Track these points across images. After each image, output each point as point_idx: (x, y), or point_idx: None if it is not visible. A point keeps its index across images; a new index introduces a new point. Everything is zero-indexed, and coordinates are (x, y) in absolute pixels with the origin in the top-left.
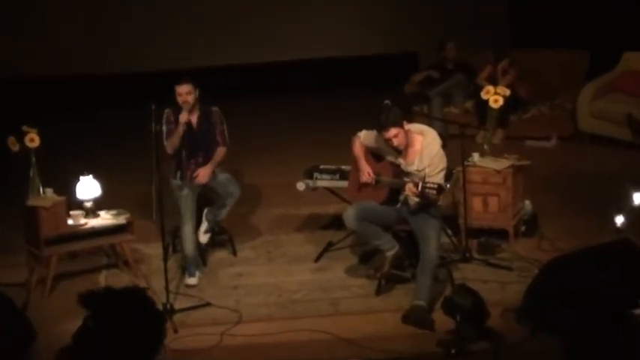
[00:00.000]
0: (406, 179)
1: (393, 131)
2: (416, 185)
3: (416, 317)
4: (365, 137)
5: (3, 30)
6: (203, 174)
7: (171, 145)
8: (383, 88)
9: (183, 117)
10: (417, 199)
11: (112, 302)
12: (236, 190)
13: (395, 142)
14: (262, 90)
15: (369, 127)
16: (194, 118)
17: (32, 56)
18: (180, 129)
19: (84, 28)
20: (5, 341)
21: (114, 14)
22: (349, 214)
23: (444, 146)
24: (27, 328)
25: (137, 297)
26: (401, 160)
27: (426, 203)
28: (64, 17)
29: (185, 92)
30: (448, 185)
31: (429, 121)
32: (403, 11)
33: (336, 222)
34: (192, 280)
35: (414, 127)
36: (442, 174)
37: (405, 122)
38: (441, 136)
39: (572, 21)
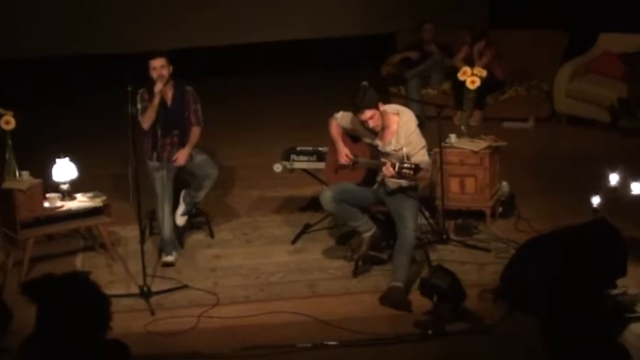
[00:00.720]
0: (383, 160)
1: (368, 113)
2: (393, 166)
3: (393, 298)
4: (342, 118)
5: None
6: (182, 157)
7: (147, 119)
8: (360, 70)
9: (157, 87)
10: (393, 181)
11: (51, 288)
12: (214, 171)
13: (371, 123)
14: (238, 72)
15: (345, 109)
16: (168, 96)
17: (8, 37)
18: (156, 100)
19: (62, 9)
20: None
21: None
22: (326, 196)
23: (422, 127)
24: (3, 311)
25: (77, 281)
26: (378, 142)
27: (403, 185)
28: None
29: (159, 65)
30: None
31: (406, 102)
32: None
33: (313, 204)
34: (169, 258)
35: (390, 107)
36: (424, 151)
37: (380, 103)
38: (418, 117)
39: (549, 1)
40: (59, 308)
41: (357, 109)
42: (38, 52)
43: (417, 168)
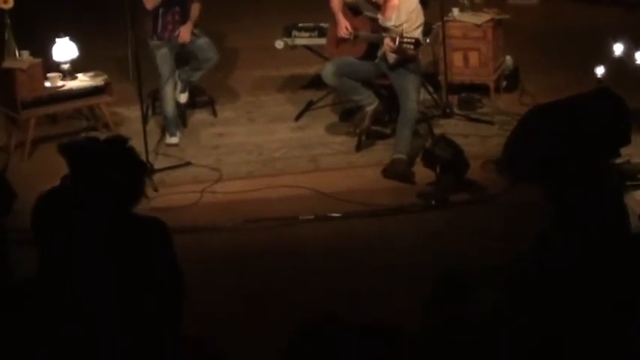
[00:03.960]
0: (384, 34)
1: None
2: (393, 40)
3: (396, 170)
4: None
5: None
6: (184, 32)
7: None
8: None
9: None
10: (395, 55)
11: (91, 148)
12: (214, 55)
13: None
14: None
15: None
16: None
17: None
18: None
19: None
20: None
21: None
22: (327, 70)
23: (425, 6)
24: (7, 190)
25: (120, 144)
26: (379, 15)
27: (405, 58)
28: None
29: None
30: (428, 40)
31: None
32: None
33: (316, 82)
34: (173, 140)
35: None
36: (420, 30)
37: None
38: None
39: None
40: (100, 170)
41: None
42: None
43: (417, 42)
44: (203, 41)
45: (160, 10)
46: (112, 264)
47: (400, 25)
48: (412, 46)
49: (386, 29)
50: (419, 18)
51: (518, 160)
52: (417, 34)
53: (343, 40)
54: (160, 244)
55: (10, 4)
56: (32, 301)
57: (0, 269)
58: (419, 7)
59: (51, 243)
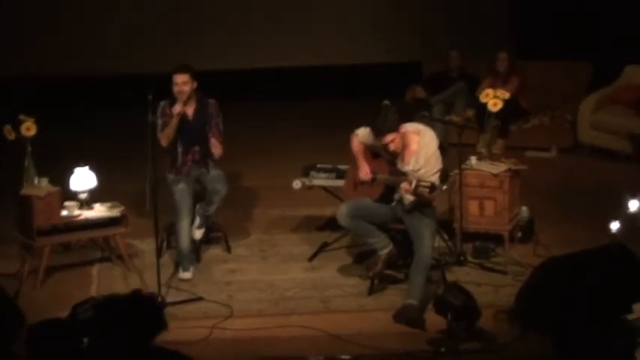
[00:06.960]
0: (402, 178)
1: (389, 137)
2: (410, 183)
3: (407, 316)
4: (362, 135)
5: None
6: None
7: (165, 137)
8: (384, 97)
9: (176, 108)
10: (411, 198)
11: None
12: (223, 188)
13: (392, 147)
14: (262, 95)
15: (366, 125)
16: (190, 110)
17: (37, 55)
18: (174, 121)
19: (91, 30)
20: None
21: (116, 16)
22: (342, 211)
23: (444, 154)
24: (17, 317)
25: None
26: (398, 160)
27: (421, 203)
28: (69, 18)
29: (181, 82)
30: (444, 187)
31: (430, 123)
32: (407, 20)
33: (332, 223)
34: (186, 275)
35: (411, 126)
36: (437, 175)
37: (401, 125)
38: (441, 144)
39: (575, 33)
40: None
41: (378, 133)
42: (68, 71)
43: (432, 187)
44: (215, 173)
45: (180, 149)
46: None
47: (418, 170)
48: (428, 190)
49: (404, 173)
50: (437, 164)
51: (530, 311)
52: (435, 179)
53: (361, 183)
54: None
55: (33, 131)
56: None
57: None
58: (437, 153)
59: None
